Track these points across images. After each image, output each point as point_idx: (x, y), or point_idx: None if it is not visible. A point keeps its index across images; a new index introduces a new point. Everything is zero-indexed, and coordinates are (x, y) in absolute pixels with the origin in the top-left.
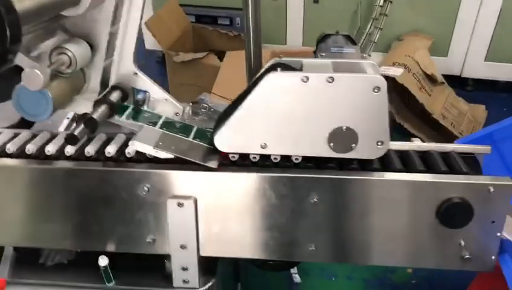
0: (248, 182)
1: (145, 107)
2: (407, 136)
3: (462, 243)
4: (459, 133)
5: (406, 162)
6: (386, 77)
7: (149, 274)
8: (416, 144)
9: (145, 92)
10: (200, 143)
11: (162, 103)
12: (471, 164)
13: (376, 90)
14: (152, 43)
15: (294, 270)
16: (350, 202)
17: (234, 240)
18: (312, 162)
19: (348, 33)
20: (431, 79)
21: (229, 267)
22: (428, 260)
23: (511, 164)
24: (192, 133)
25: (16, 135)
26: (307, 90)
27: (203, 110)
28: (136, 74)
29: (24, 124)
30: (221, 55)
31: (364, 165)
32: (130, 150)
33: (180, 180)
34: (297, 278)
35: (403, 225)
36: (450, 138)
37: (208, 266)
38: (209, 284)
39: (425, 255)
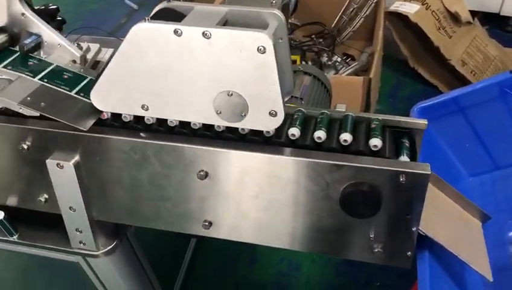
0: (123, 146)
1: (41, 54)
2: (420, 83)
3: (372, 235)
4: None
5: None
6: (399, 15)
7: (54, 231)
8: (337, 112)
9: (37, 36)
10: (83, 99)
11: (57, 48)
12: (402, 142)
13: (261, 50)
14: None
15: None
16: (241, 177)
17: (124, 207)
18: (212, 131)
19: None
20: (455, 18)
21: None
22: (338, 249)
23: (485, 136)
24: (80, 86)
25: None
26: (181, 45)
27: None
28: (24, 14)
29: None
30: None
31: (268, 138)
32: None
33: (58, 141)
34: None
35: (304, 208)
36: None
37: (115, 228)
38: (109, 247)
39: (333, 244)
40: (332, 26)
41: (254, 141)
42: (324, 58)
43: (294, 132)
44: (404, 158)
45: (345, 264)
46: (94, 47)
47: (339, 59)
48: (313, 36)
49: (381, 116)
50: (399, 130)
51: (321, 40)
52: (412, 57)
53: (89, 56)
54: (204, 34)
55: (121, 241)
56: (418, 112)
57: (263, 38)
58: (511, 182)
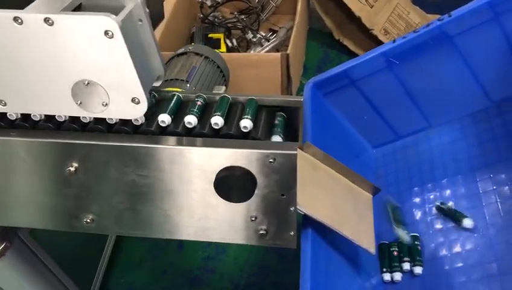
0: None
1: None
2: (347, 55)
3: (254, 217)
4: None
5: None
6: None
7: None
8: (214, 94)
9: None
10: None
11: None
12: (278, 121)
13: (109, 34)
14: None
15: None
16: (109, 170)
17: (4, 208)
18: (77, 123)
19: None
20: None
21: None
22: (224, 235)
23: (381, 107)
24: None
25: None
26: (24, 35)
27: None
28: None
29: None
30: None
31: (138, 127)
32: None
33: None
34: None
35: (180, 196)
36: None
37: (2, 231)
38: None
39: (219, 230)
40: (256, 1)
41: (123, 130)
42: (250, 35)
43: (165, 118)
44: (276, 138)
45: None
46: None
47: (263, 35)
48: (236, 13)
49: (257, 96)
50: (278, 109)
51: (243, 16)
52: (336, 29)
53: None
54: (46, 21)
55: (11, 244)
56: (312, 87)
57: (108, 22)
58: (411, 150)
